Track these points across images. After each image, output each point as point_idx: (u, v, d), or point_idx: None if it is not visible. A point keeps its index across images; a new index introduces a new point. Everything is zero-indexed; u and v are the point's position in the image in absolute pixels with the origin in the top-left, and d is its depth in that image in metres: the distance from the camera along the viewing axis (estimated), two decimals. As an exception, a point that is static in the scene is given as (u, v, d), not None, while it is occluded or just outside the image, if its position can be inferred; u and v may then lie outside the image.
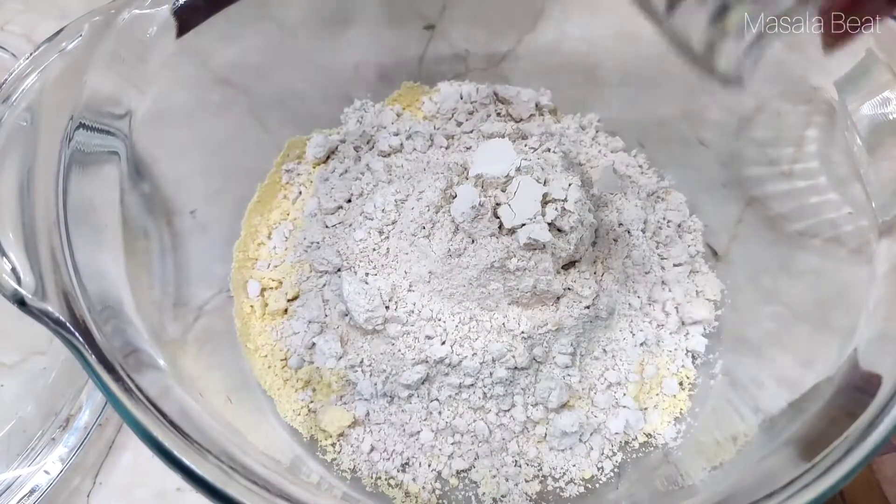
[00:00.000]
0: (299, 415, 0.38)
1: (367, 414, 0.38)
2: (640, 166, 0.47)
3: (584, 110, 0.49)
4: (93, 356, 0.25)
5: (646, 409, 0.39)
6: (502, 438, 0.37)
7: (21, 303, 0.25)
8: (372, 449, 0.37)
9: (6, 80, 0.30)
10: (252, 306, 0.41)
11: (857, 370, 0.28)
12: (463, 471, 0.37)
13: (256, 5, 0.39)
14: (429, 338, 0.37)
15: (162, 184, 0.38)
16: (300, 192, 0.45)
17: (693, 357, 0.41)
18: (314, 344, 0.39)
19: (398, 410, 0.38)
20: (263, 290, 0.42)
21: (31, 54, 0.31)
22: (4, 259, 0.26)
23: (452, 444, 0.38)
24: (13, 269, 0.26)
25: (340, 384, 0.38)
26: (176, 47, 0.36)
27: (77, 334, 0.25)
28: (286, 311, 0.41)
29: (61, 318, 0.25)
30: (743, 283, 0.42)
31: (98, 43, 0.32)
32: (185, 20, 0.35)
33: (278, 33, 0.43)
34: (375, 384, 0.38)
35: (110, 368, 0.25)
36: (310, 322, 0.39)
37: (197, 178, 0.41)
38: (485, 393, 0.37)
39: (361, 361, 0.38)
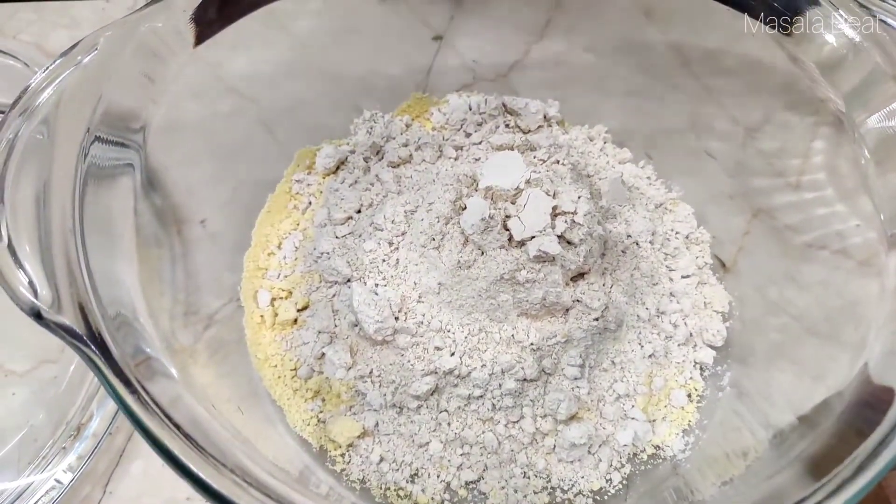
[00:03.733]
0: (308, 425, 0.39)
1: (377, 424, 0.38)
2: (648, 178, 0.47)
3: (591, 121, 0.49)
4: (109, 369, 0.25)
5: (654, 420, 0.39)
6: (511, 450, 0.38)
7: (38, 316, 0.25)
8: (381, 459, 0.38)
9: (22, 93, 0.31)
10: (262, 316, 0.41)
11: (869, 385, 0.28)
12: (472, 482, 0.37)
13: (267, 17, 0.39)
14: (438, 349, 0.37)
15: (173, 193, 0.38)
16: (310, 203, 0.45)
17: (701, 369, 0.41)
18: (323, 354, 0.39)
19: (407, 421, 0.38)
20: (273, 299, 0.42)
21: (46, 67, 0.31)
22: (21, 272, 0.26)
23: (461, 455, 0.38)
24: (30, 283, 0.26)
25: (350, 395, 0.38)
26: (188, 58, 0.36)
27: (93, 347, 0.25)
28: (296, 321, 0.41)
29: (78, 331, 0.26)
30: (750, 295, 0.42)
31: (114, 56, 0.32)
32: (199, 32, 0.36)
33: (289, 44, 0.44)
34: (385, 395, 0.38)
35: (126, 381, 0.25)
36: (319, 332, 0.40)
37: (207, 187, 0.42)
38: (494, 404, 0.37)
39: (371, 372, 0.38)
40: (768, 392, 0.38)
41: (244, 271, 0.43)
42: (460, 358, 0.36)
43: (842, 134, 0.36)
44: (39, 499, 0.37)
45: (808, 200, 0.40)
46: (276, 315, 0.41)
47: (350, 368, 0.38)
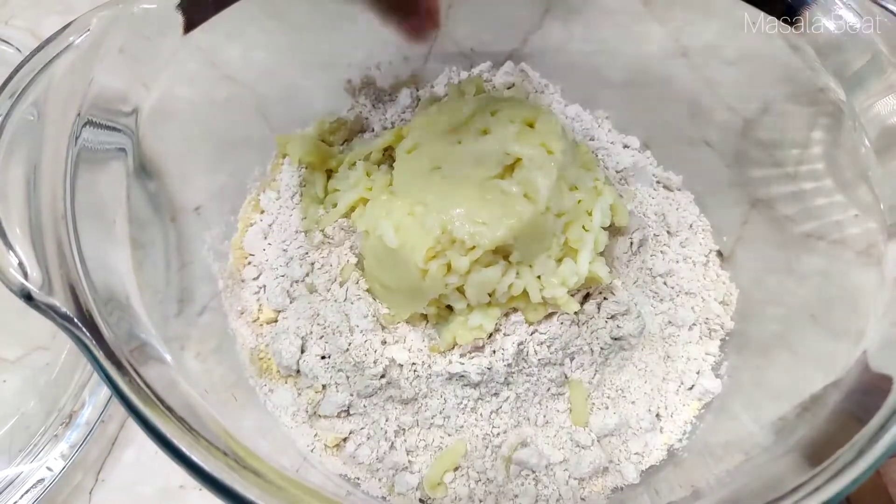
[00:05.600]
0: (297, 417, 0.38)
1: (364, 418, 0.38)
2: (651, 166, 0.47)
3: (591, 109, 0.49)
4: (100, 351, 0.25)
5: (660, 416, 0.39)
6: (496, 445, 0.37)
7: (28, 297, 0.25)
8: (369, 452, 0.37)
9: (12, 74, 0.30)
10: (244, 307, 0.41)
11: (868, 373, 0.28)
12: (462, 473, 0.37)
13: (263, 2, 0.39)
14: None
15: (167, 180, 0.38)
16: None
17: (703, 359, 0.41)
18: (304, 350, 0.39)
19: (395, 416, 0.37)
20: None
21: (38, 48, 0.31)
22: (11, 253, 0.26)
23: (449, 448, 0.37)
24: (20, 264, 0.26)
25: (333, 389, 0.38)
26: (182, 43, 0.35)
27: (84, 328, 0.25)
28: (279, 312, 0.41)
29: (68, 312, 0.25)
30: (748, 285, 0.42)
31: (106, 38, 0.32)
32: (192, 16, 0.35)
33: (284, 31, 0.43)
34: (369, 388, 0.37)
35: (117, 364, 0.25)
36: (297, 328, 0.39)
37: (201, 174, 0.41)
38: (480, 397, 0.37)
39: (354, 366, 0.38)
40: (766, 381, 0.38)
41: (230, 258, 0.42)
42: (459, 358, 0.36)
43: (841, 124, 0.36)
44: (31, 487, 0.37)
45: (806, 190, 0.40)
46: (260, 308, 0.41)
47: (329, 366, 0.38)
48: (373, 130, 0.45)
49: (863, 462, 0.25)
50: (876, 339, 0.29)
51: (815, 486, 0.25)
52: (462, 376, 0.36)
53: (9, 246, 0.26)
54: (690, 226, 0.44)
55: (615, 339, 0.37)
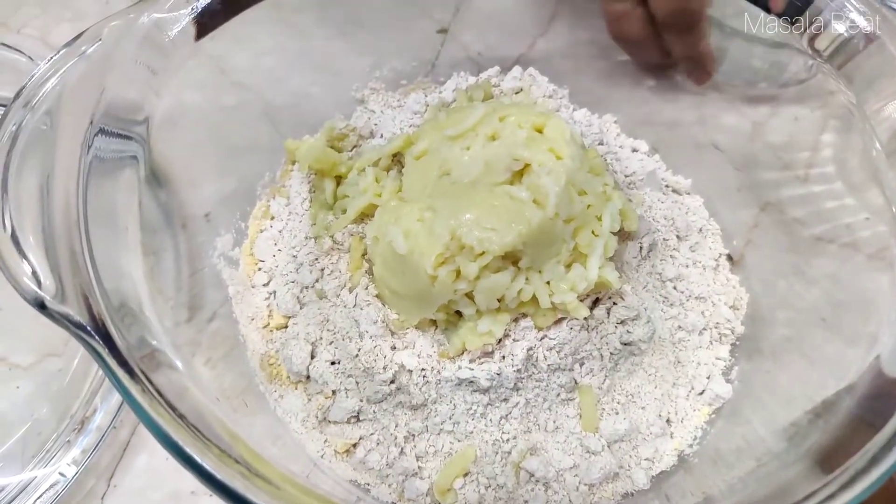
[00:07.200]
0: (307, 423, 0.38)
1: (374, 424, 0.38)
2: (660, 170, 0.47)
3: (599, 113, 0.49)
4: (112, 359, 0.25)
5: (671, 422, 0.38)
6: (505, 451, 0.37)
7: (41, 306, 0.25)
8: (379, 458, 0.37)
9: (26, 83, 0.30)
10: (253, 314, 0.41)
11: (881, 378, 0.28)
12: (472, 479, 0.37)
13: (271, 9, 0.39)
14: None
15: (177, 187, 0.38)
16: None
17: (713, 364, 0.41)
18: (314, 356, 0.39)
19: (404, 422, 0.37)
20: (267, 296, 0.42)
21: (50, 58, 0.31)
22: (25, 262, 0.26)
23: (459, 454, 0.37)
24: (34, 273, 0.26)
25: (343, 395, 0.38)
26: (192, 51, 0.36)
27: (97, 337, 0.25)
28: (286, 325, 0.41)
29: (81, 321, 0.25)
30: (759, 289, 0.42)
31: (117, 47, 0.32)
32: (203, 24, 0.35)
33: (292, 37, 0.43)
34: (378, 394, 0.37)
35: (130, 371, 0.25)
36: (307, 334, 0.39)
37: (211, 181, 0.42)
38: (490, 403, 0.37)
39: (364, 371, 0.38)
40: (777, 386, 0.37)
41: (241, 264, 0.42)
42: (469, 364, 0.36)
43: (851, 126, 0.36)
44: (44, 492, 0.37)
45: (816, 193, 0.40)
46: (270, 314, 0.41)
47: (339, 372, 0.38)
48: (382, 136, 0.45)
49: (876, 470, 0.25)
50: (889, 343, 0.29)
51: (827, 494, 0.25)
52: (471, 382, 0.36)
53: (23, 255, 0.26)
54: (700, 230, 0.44)
55: (625, 344, 0.37)
